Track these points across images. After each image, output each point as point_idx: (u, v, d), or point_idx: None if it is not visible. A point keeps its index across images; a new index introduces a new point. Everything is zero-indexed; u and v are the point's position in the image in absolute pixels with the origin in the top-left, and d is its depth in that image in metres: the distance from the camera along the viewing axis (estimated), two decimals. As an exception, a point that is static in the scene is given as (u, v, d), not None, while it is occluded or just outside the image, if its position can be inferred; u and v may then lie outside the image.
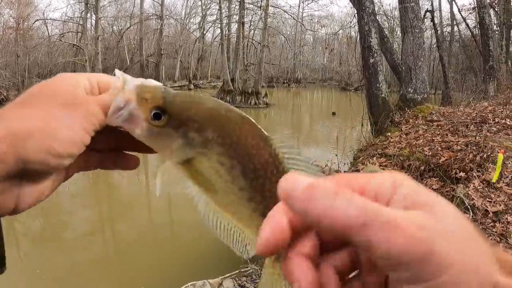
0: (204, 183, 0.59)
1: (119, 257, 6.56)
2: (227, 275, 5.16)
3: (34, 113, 0.54)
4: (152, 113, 0.58)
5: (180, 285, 4.68)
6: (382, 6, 34.60)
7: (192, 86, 47.29)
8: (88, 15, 28.16)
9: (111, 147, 0.66)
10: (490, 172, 4.95)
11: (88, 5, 26.59)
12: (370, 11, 10.08)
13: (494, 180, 4.82)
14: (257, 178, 0.56)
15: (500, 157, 4.77)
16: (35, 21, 37.24)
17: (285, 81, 53.05)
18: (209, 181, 0.59)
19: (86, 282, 5.79)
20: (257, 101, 28.70)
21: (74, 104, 0.56)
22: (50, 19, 37.73)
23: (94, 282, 5.80)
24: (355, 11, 11.94)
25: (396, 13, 26.17)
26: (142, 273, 6.10)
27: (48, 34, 39.72)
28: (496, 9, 19.16)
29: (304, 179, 0.38)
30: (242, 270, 5.13)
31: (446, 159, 5.62)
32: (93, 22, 28.33)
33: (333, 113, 24.51)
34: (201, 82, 50.89)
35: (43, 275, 5.91)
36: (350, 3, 13.74)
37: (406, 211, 0.36)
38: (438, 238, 0.34)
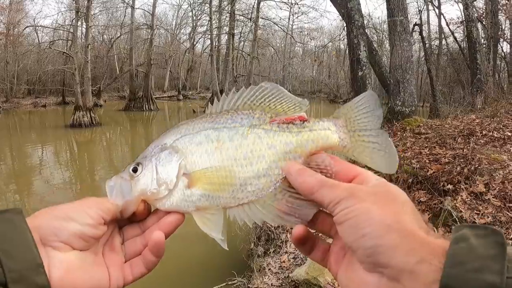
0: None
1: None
2: None
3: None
4: (131, 168, 0.81)
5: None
6: (371, 19, 35.05)
7: (181, 97, 47.22)
8: (79, 23, 28.03)
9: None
10: (478, 184, 4.97)
11: (79, 13, 26.44)
12: (359, 24, 10.18)
13: None
14: None
15: None
16: (26, 27, 37.07)
17: (275, 93, 53.21)
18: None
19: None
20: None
21: (86, 199, 0.77)
22: (40, 26, 37.54)
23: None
24: (345, 24, 12.05)
25: (385, 26, 26.53)
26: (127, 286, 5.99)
27: (38, 41, 39.56)
28: (483, 23, 19.43)
29: (297, 165, 0.75)
30: (229, 283, 5.07)
31: (434, 172, 5.63)
32: (84, 30, 28.26)
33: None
34: (190, 93, 50.89)
35: None
36: (340, 16, 13.87)
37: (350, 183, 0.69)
38: (358, 191, 0.63)
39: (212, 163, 0.79)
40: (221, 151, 0.79)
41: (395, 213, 0.59)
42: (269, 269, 4.99)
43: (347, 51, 12.78)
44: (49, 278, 0.65)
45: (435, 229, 4.56)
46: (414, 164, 6.10)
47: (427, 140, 7.52)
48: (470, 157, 5.64)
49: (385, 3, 11.46)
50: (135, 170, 0.81)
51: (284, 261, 5.09)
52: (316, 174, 0.71)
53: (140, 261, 0.78)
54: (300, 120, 0.81)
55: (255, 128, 0.80)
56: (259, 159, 0.78)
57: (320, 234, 0.79)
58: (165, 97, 46.99)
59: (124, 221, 0.82)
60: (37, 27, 37.68)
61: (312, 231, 0.75)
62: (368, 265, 0.58)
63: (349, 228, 0.61)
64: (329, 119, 0.82)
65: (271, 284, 4.67)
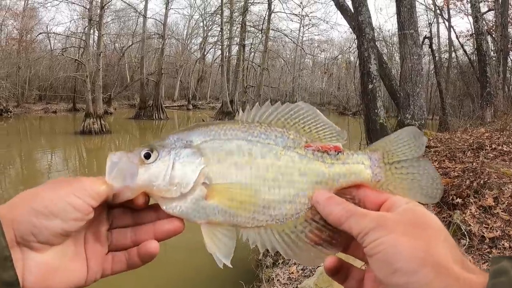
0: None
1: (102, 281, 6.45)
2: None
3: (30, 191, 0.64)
4: (143, 153, 0.71)
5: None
6: (382, 32, 35.08)
7: (191, 106, 47.43)
8: (91, 31, 28.42)
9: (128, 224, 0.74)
10: (487, 198, 4.96)
11: (92, 21, 26.83)
12: (370, 37, 10.20)
13: None
14: None
15: None
16: (38, 34, 37.71)
17: (284, 104, 53.11)
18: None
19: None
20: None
21: (73, 182, 0.66)
22: (53, 33, 38.13)
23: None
24: (355, 37, 12.09)
25: (395, 39, 26.55)
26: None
27: (51, 47, 40.15)
28: (493, 36, 19.35)
29: (326, 193, 0.72)
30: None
31: (443, 185, 5.60)
32: (96, 38, 28.69)
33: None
34: (200, 102, 51.12)
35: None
36: (350, 29, 13.93)
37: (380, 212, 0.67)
38: (387, 220, 0.60)
39: (239, 178, 0.72)
40: (251, 167, 0.73)
41: (427, 244, 0.56)
42: (277, 280, 4.99)
43: (357, 64, 12.79)
44: (22, 282, 0.58)
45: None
46: (423, 177, 6.08)
47: (437, 153, 7.49)
48: (479, 171, 5.62)
49: (395, 16, 11.51)
50: (147, 156, 0.71)
51: (292, 272, 5.09)
52: (344, 203, 0.68)
53: (123, 258, 0.71)
54: (335, 151, 0.76)
55: (289, 150, 0.75)
56: (288, 184, 0.73)
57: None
58: (175, 106, 47.26)
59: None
60: (49, 34, 38.26)
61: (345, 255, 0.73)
62: None
63: (379, 262, 0.57)
64: (364, 152, 0.77)
65: (279, 294, 4.66)
